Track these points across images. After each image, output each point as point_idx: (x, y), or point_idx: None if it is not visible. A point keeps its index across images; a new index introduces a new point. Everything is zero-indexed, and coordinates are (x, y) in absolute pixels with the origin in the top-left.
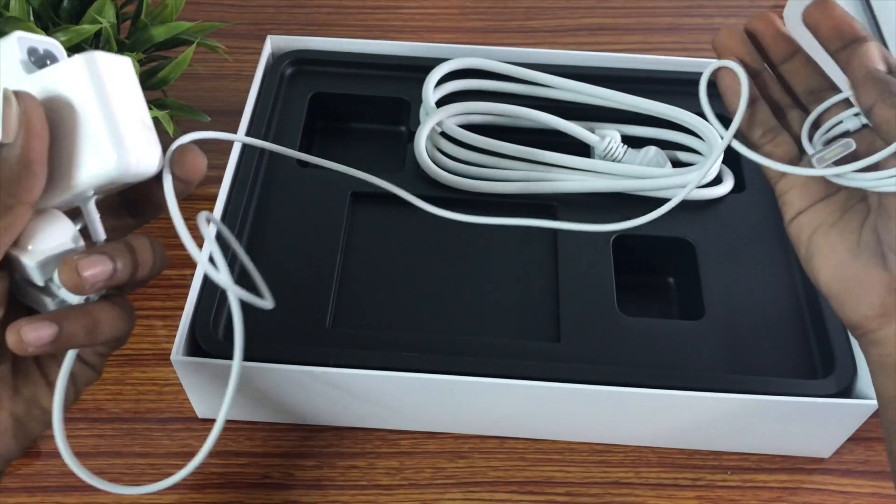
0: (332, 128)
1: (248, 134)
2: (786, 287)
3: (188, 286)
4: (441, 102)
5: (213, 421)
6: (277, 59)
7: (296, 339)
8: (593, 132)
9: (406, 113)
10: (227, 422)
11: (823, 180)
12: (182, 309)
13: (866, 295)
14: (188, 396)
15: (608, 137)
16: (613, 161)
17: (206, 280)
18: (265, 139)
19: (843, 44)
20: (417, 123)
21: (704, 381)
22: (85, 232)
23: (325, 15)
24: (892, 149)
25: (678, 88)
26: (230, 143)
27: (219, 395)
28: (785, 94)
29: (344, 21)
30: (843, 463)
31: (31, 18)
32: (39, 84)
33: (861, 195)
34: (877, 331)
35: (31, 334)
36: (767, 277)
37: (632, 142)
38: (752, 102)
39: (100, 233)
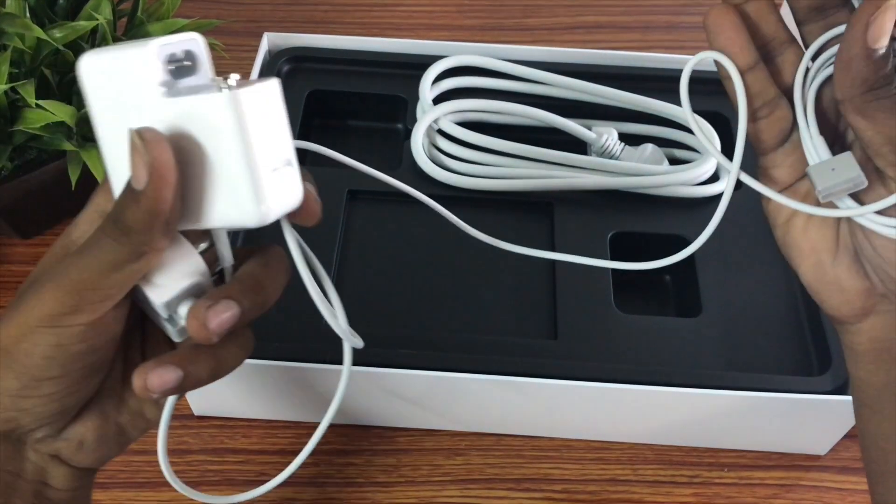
0: (329, 125)
1: None
2: (782, 284)
3: None
4: (438, 100)
5: (210, 418)
6: (274, 57)
7: (292, 336)
8: (590, 129)
9: (403, 110)
10: (223, 419)
11: (805, 161)
12: None
13: (845, 298)
14: (185, 394)
15: (605, 135)
16: (610, 158)
17: None
18: None
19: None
20: (414, 121)
21: (701, 378)
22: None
23: (322, 12)
24: None
25: (675, 86)
26: None
27: (215, 392)
28: (782, 27)
29: (341, 18)
30: (840, 460)
31: (28, 15)
32: (178, 110)
33: None
34: (854, 323)
35: (156, 381)
36: (764, 275)
37: (629, 139)
38: (750, 68)
39: (227, 259)
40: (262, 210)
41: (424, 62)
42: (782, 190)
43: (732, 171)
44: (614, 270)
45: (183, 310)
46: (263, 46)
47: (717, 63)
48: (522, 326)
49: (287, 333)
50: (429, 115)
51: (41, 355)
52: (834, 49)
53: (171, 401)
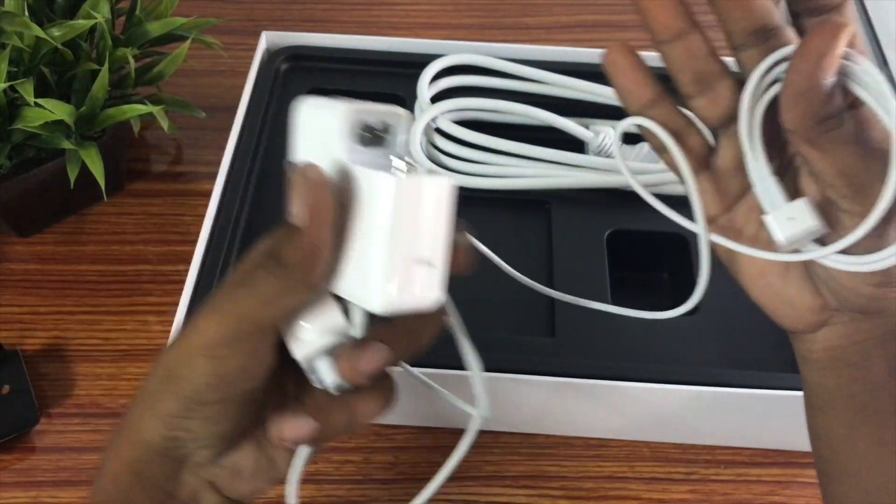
0: None
1: (242, 129)
2: None
3: (183, 281)
4: (436, 99)
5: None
6: (272, 55)
7: None
8: (588, 128)
9: None
10: None
11: (737, 187)
12: (177, 304)
13: (798, 314)
14: None
15: (602, 133)
16: (608, 157)
17: (202, 275)
18: (260, 135)
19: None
20: (412, 119)
21: (698, 375)
22: None
23: (320, 11)
24: (869, 225)
25: (672, 85)
26: (224, 139)
27: None
28: (714, 60)
29: (339, 17)
30: None
31: (26, 13)
32: (351, 175)
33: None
34: (807, 334)
35: (289, 432)
36: None
37: (626, 138)
38: (683, 35)
39: (357, 331)
40: (384, 299)
41: (422, 61)
42: (714, 219)
43: (702, 236)
44: (611, 267)
45: (321, 364)
46: (262, 45)
47: (639, 126)
48: (520, 323)
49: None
50: (427, 113)
51: (201, 381)
52: (777, 72)
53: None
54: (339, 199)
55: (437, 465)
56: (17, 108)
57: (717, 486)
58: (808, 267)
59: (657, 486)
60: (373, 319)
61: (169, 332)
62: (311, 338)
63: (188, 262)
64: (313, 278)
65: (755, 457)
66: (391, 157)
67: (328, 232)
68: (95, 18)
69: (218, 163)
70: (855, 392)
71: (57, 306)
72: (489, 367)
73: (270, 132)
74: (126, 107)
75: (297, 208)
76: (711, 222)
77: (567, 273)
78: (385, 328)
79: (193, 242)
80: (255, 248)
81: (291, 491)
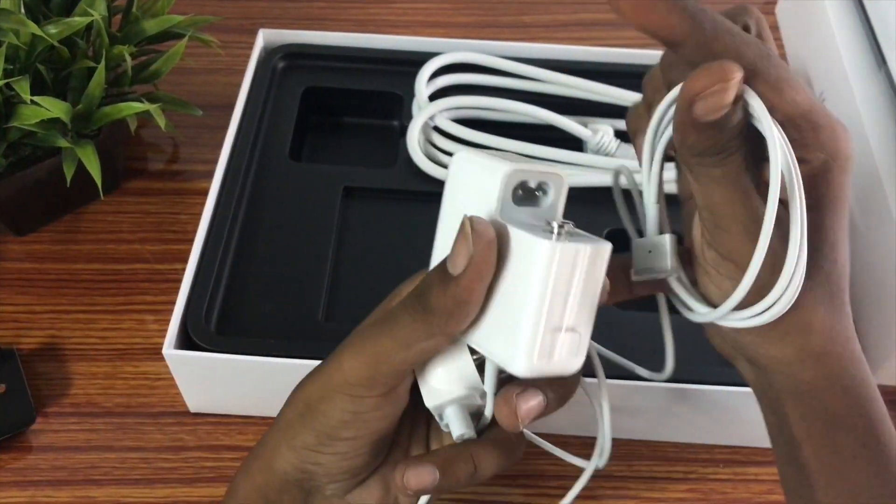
0: (325, 122)
1: (239, 127)
2: None
3: (180, 280)
4: (434, 97)
5: (206, 415)
6: (269, 53)
7: (288, 333)
8: (586, 127)
9: (399, 107)
10: (219, 416)
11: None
12: (174, 303)
13: (717, 344)
14: (180, 390)
15: (601, 132)
16: (606, 155)
17: (199, 274)
18: (257, 134)
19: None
20: (410, 118)
21: (697, 374)
22: None
23: (317, 9)
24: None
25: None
26: (221, 137)
27: (211, 388)
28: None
29: (337, 15)
30: None
31: (22, 10)
32: (502, 230)
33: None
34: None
35: (413, 480)
36: None
37: (625, 136)
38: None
39: (490, 385)
40: (526, 364)
41: (420, 59)
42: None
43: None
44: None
45: (450, 413)
46: (259, 43)
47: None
48: None
49: (282, 330)
50: (425, 111)
51: (338, 418)
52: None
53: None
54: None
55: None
56: (13, 106)
57: (715, 485)
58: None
59: (656, 485)
60: (501, 373)
61: (165, 330)
62: (443, 387)
63: (185, 260)
64: (455, 328)
65: (753, 455)
66: (545, 219)
67: (481, 287)
68: (92, 16)
69: (215, 161)
70: (781, 437)
71: (53, 305)
72: None
73: (267, 130)
74: (123, 105)
75: (457, 257)
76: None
77: None
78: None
79: (190, 241)
80: (401, 286)
81: None
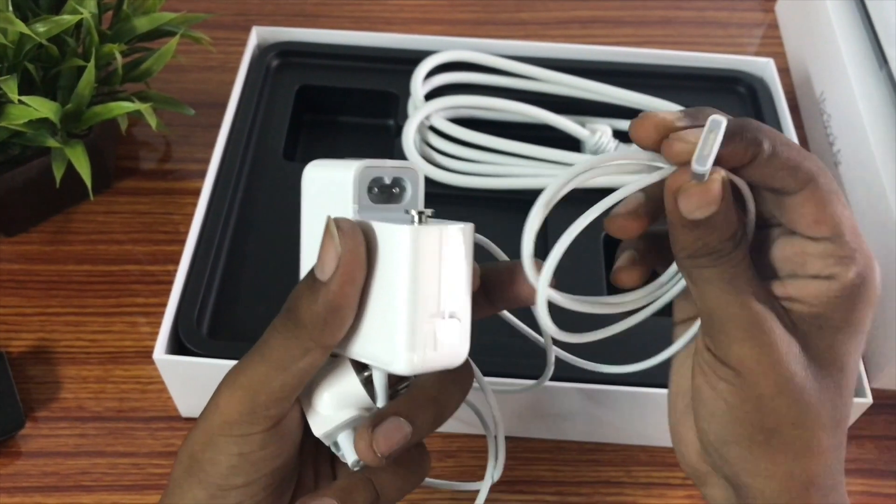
0: (319, 121)
1: (232, 126)
2: None
3: (171, 281)
4: (430, 96)
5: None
6: (263, 51)
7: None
8: (584, 126)
9: (394, 106)
10: None
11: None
12: (165, 305)
13: (685, 456)
14: (171, 395)
15: (599, 132)
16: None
17: (190, 276)
18: (250, 133)
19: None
20: (406, 117)
21: None
22: None
23: (312, 6)
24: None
25: (670, 82)
26: (213, 136)
27: (203, 393)
28: None
29: (331, 12)
30: None
31: (10, 8)
32: (366, 230)
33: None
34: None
35: None
36: None
37: (623, 137)
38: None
39: (381, 401)
40: (408, 358)
41: (416, 57)
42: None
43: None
44: (607, 267)
45: (343, 440)
46: (252, 41)
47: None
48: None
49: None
50: (421, 111)
51: (225, 465)
52: None
53: None
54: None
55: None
56: (1, 106)
57: None
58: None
59: (654, 490)
60: (393, 384)
61: (157, 333)
62: (330, 412)
63: (177, 261)
64: (330, 339)
65: None
66: (406, 210)
67: (354, 289)
68: (81, 14)
69: (207, 160)
70: None
71: (43, 307)
72: (484, 370)
73: (261, 129)
74: (113, 104)
75: (325, 260)
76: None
77: (564, 273)
78: (407, 400)
79: (182, 242)
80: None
81: None
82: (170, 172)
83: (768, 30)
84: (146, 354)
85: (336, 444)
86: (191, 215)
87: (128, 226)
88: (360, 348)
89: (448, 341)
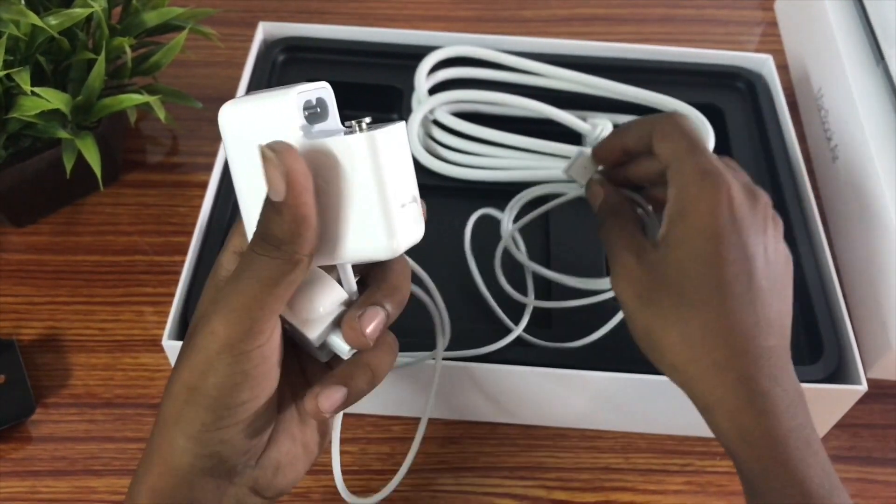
0: None
1: None
2: None
3: (179, 272)
4: (433, 90)
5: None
6: (269, 46)
7: None
8: (585, 121)
9: (398, 101)
10: None
11: None
12: (173, 295)
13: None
14: None
15: (600, 126)
16: None
17: (198, 266)
18: None
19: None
20: (409, 111)
21: None
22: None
23: (317, 2)
24: None
25: (670, 78)
26: (218, 130)
27: None
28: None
29: (336, 9)
30: (830, 449)
31: (23, 1)
32: (316, 152)
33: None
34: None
35: (326, 403)
36: None
37: None
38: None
39: (352, 289)
40: (394, 244)
41: (420, 52)
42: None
43: None
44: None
45: (333, 338)
46: (258, 36)
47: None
48: (516, 314)
49: None
50: (424, 105)
51: (229, 384)
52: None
53: (337, 418)
54: (318, 179)
55: (433, 455)
56: (13, 97)
57: (712, 477)
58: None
59: (653, 477)
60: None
61: (164, 322)
62: (317, 316)
63: (184, 252)
64: (306, 248)
65: None
66: (339, 124)
67: (310, 199)
68: (92, 7)
69: (214, 154)
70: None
71: (52, 296)
72: (485, 358)
73: None
74: (122, 96)
75: (274, 183)
76: None
77: (564, 265)
78: (374, 291)
79: (189, 233)
80: (219, 258)
81: (335, 457)
82: (177, 166)
83: (767, 27)
84: (154, 343)
85: (325, 343)
86: (198, 207)
87: (136, 217)
88: (345, 252)
89: (412, 223)
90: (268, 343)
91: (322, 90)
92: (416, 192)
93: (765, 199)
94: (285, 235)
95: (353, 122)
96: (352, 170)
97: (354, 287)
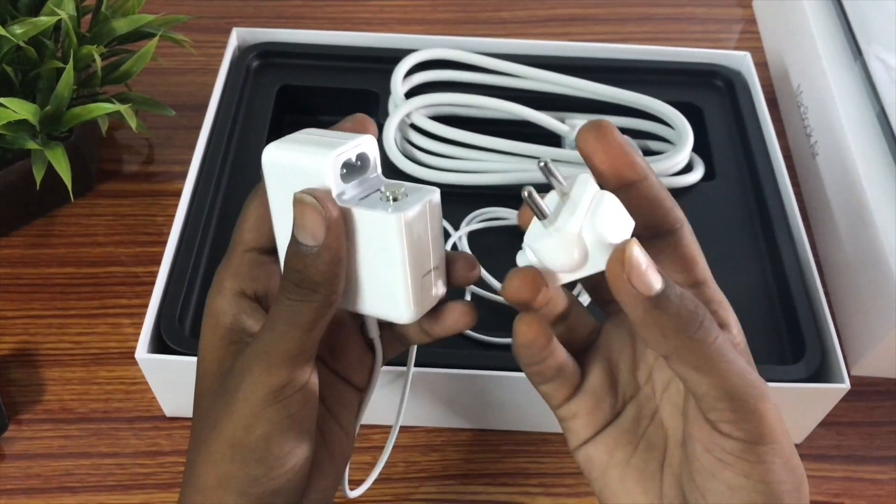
0: (301, 121)
1: (213, 127)
2: (755, 273)
3: (154, 283)
4: (410, 94)
5: (181, 419)
6: (243, 52)
7: None
8: (564, 122)
9: (375, 105)
10: None
11: (609, 406)
12: (148, 307)
13: None
14: (155, 395)
15: (578, 127)
16: None
17: (172, 276)
18: (231, 133)
19: (621, 184)
20: (386, 115)
21: None
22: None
23: (293, 7)
24: None
25: (649, 78)
26: (195, 138)
27: (186, 392)
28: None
29: (312, 13)
30: (815, 448)
31: None
32: (350, 216)
33: (651, 414)
34: None
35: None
36: (737, 264)
37: None
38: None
39: (374, 331)
40: (412, 312)
41: (396, 56)
42: (583, 444)
43: None
44: None
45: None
46: (232, 42)
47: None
48: (506, 320)
49: None
50: (401, 109)
51: (277, 432)
52: None
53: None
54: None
55: (415, 464)
56: None
57: None
58: (687, 498)
59: None
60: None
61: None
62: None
63: (159, 262)
64: (342, 288)
65: None
66: (376, 182)
67: (343, 245)
68: (59, 15)
69: (188, 162)
70: None
71: (26, 310)
72: (470, 364)
73: (242, 130)
74: (93, 105)
75: (312, 227)
76: (580, 445)
77: None
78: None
79: (165, 243)
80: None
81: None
82: (152, 175)
83: (746, 25)
84: (129, 355)
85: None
86: (174, 216)
87: (111, 228)
88: (365, 306)
89: (434, 287)
90: (308, 386)
91: (365, 145)
92: (440, 259)
93: None
94: (323, 278)
95: (389, 192)
96: (381, 242)
97: (376, 334)
